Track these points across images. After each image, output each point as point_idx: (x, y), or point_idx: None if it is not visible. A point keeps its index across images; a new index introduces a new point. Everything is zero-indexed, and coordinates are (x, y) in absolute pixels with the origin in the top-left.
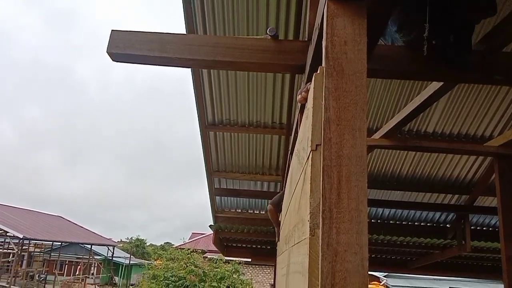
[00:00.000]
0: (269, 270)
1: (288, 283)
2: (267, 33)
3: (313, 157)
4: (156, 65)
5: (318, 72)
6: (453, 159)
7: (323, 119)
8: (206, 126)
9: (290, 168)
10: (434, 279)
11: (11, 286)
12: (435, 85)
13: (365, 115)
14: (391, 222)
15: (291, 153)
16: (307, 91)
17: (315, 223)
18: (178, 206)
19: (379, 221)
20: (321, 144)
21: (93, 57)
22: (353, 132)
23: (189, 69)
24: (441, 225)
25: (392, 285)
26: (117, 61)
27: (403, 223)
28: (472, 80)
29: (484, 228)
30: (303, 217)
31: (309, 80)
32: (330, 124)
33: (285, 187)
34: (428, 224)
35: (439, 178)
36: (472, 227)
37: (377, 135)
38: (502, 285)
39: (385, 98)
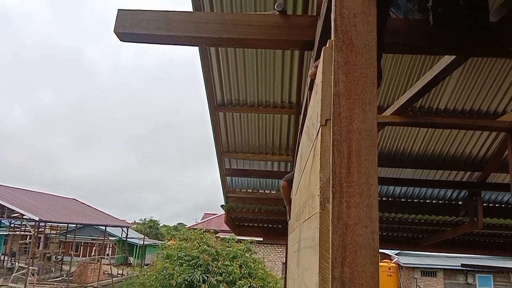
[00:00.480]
0: (281, 249)
1: (300, 259)
2: (275, 9)
3: (323, 132)
4: (164, 44)
5: (327, 45)
6: (465, 135)
7: (332, 94)
8: (216, 107)
9: (299, 146)
10: (446, 256)
11: (30, 267)
12: (447, 59)
13: (375, 88)
14: (402, 200)
15: (301, 132)
16: (317, 66)
17: (325, 197)
18: (190, 187)
19: (390, 199)
20: (330, 119)
21: (102, 40)
22: (363, 106)
23: (198, 51)
24: (453, 202)
25: (403, 263)
26: (124, 41)
27: (415, 200)
28: (485, 53)
29: (497, 205)
30: (313, 193)
31: (318, 56)
32: (339, 98)
33: (295, 166)
34: (439, 202)
35: (451, 155)
36: (484, 204)
37: (388, 112)
38: None
39: (396, 75)
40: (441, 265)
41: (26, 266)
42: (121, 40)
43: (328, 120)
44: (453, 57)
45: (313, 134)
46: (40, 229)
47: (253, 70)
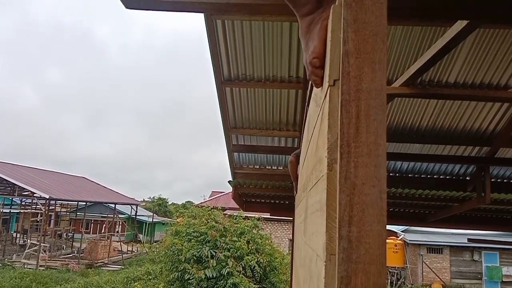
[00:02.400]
0: (287, 226)
1: (306, 226)
2: None
3: (331, 92)
4: (169, 10)
5: (337, 3)
6: (475, 109)
7: (341, 53)
8: (222, 82)
9: (306, 118)
10: (452, 233)
11: (41, 244)
12: (458, 26)
13: (386, 47)
14: (409, 175)
15: (308, 104)
16: None
17: (333, 158)
18: (199, 166)
19: (397, 174)
20: (339, 79)
21: (112, 17)
22: (372, 65)
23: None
24: (460, 177)
25: (409, 240)
26: (129, 8)
27: (422, 176)
28: (498, 16)
29: (505, 180)
30: (321, 156)
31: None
32: (348, 57)
33: (302, 140)
34: (447, 177)
35: (460, 130)
36: (492, 179)
37: (397, 84)
38: None
39: (405, 48)
40: (447, 242)
41: (37, 243)
42: (126, 7)
43: (336, 80)
44: (465, 23)
45: (321, 98)
46: (50, 207)
47: (260, 44)
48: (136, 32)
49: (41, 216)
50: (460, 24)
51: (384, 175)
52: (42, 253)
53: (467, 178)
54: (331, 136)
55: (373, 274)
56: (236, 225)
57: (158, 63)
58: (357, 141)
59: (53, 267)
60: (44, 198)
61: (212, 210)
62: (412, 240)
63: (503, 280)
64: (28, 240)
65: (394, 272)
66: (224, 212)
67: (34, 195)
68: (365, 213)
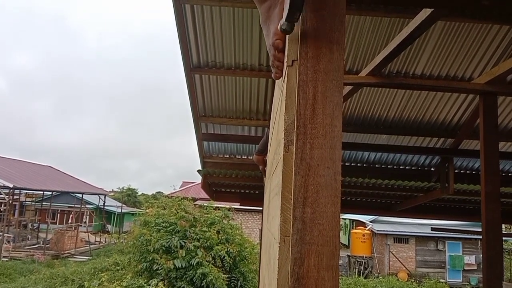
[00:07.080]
0: (258, 217)
1: (269, 212)
2: None
3: (289, 73)
4: None
5: None
6: (440, 101)
7: (299, 32)
8: (191, 69)
9: (273, 103)
10: (418, 224)
11: (5, 234)
12: (422, 15)
13: (344, 27)
14: (376, 166)
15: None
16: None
17: (290, 139)
18: (170, 156)
19: (365, 164)
20: (297, 59)
21: (86, 3)
22: (330, 45)
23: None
24: (425, 168)
25: (377, 230)
26: None
27: (389, 166)
28: (463, 3)
29: (468, 172)
30: (280, 139)
31: None
32: (307, 37)
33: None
34: (413, 168)
35: (425, 121)
36: (456, 170)
37: (363, 73)
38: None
39: (374, 39)
40: (413, 232)
41: (1, 234)
42: None
43: (294, 61)
44: (429, 11)
45: (281, 80)
46: (15, 197)
47: (230, 31)
48: (111, 19)
49: (4, 205)
50: (424, 13)
51: (339, 156)
52: (5, 243)
53: (432, 169)
54: (288, 117)
55: (326, 256)
56: (206, 215)
57: (133, 49)
58: (313, 123)
59: (17, 258)
60: (8, 187)
61: (182, 200)
62: (380, 230)
63: (465, 268)
64: None
65: (362, 262)
66: (195, 203)
67: None
68: (320, 194)
